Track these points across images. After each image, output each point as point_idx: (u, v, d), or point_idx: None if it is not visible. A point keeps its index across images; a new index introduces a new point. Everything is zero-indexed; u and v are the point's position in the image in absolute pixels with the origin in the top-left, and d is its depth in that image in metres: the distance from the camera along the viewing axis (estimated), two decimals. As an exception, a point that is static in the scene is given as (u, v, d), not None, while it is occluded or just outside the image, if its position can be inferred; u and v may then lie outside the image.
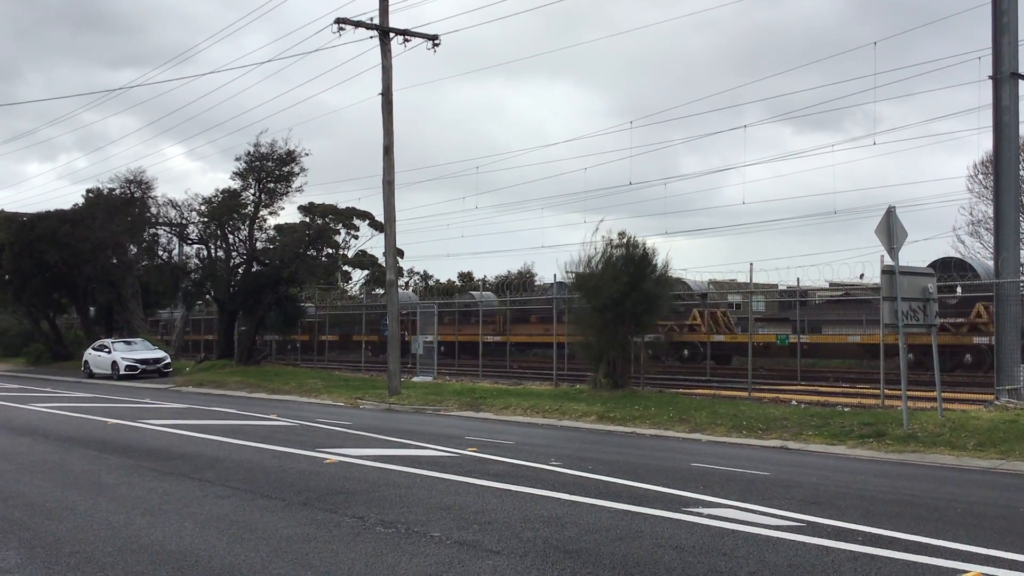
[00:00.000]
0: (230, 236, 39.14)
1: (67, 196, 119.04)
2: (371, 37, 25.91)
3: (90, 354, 38.92)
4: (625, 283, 21.89)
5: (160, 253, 42.47)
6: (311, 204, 59.96)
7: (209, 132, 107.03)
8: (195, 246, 41.19)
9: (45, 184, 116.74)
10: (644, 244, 22.98)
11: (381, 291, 45.47)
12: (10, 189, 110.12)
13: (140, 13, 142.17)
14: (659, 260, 23.06)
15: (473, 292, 44.73)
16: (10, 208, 52.53)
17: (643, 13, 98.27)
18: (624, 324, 22.46)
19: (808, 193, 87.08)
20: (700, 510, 8.49)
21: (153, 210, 41.49)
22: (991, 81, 18.35)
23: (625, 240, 22.94)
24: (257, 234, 38.91)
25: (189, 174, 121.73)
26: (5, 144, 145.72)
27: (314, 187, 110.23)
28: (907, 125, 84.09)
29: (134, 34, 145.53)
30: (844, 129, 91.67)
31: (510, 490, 9.51)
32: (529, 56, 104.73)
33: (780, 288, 33.64)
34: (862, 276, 32.50)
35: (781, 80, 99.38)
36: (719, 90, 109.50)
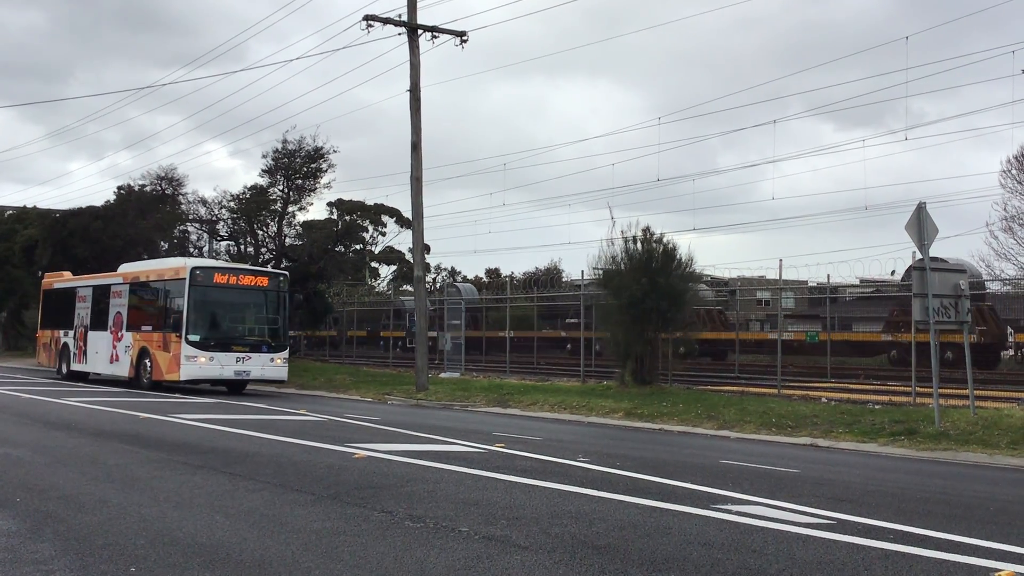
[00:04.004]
0: (259, 232, 39.43)
1: (110, 193, 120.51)
2: (399, 34, 26.00)
3: (122, 349, 39.31)
4: (648, 280, 21.82)
5: (190, 249, 42.85)
6: (339, 200, 60.23)
7: (254, 130, 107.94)
8: (225, 242, 41.55)
9: (89, 181, 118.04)
10: (667, 240, 22.91)
11: (409, 287, 45.59)
12: (55, 187, 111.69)
13: (193, 13, 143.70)
14: (683, 256, 22.99)
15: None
16: (57, 206, 53.19)
17: (688, 10, 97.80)
18: (650, 321, 22.41)
19: (843, 189, 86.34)
20: (729, 507, 8.45)
21: (184, 207, 41.88)
22: (1025, 75, 18.12)
23: (648, 236, 22.86)
24: (286, 230, 39.21)
25: (233, 171, 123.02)
26: (50, 140, 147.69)
27: (354, 183, 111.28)
28: (940, 120, 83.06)
29: (187, 34, 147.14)
30: (886, 125, 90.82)
31: (538, 486, 9.51)
32: (571, 48, 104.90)
33: (810, 285, 33.42)
34: (893, 272, 32.24)
35: (824, 77, 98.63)
36: (765, 91, 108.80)
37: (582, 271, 29.06)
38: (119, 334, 26.80)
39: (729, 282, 36.75)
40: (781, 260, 23.54)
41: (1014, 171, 38.08)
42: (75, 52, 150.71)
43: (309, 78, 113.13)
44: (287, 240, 39.32)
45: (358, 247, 46.93)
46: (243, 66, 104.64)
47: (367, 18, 25.40)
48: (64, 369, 30.14)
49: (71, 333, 29.98)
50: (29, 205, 54.81)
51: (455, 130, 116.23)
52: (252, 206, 38.24)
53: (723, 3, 62.52)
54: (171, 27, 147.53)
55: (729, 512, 8.20)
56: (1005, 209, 38.61)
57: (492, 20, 59.43)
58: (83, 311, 29.38)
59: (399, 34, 26.04)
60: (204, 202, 40.68)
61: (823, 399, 20.25)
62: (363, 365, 37.49)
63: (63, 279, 32.97)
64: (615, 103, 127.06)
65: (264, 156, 38.61)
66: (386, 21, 25.73)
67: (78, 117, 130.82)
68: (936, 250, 15.61)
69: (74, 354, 29.53)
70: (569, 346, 41.11)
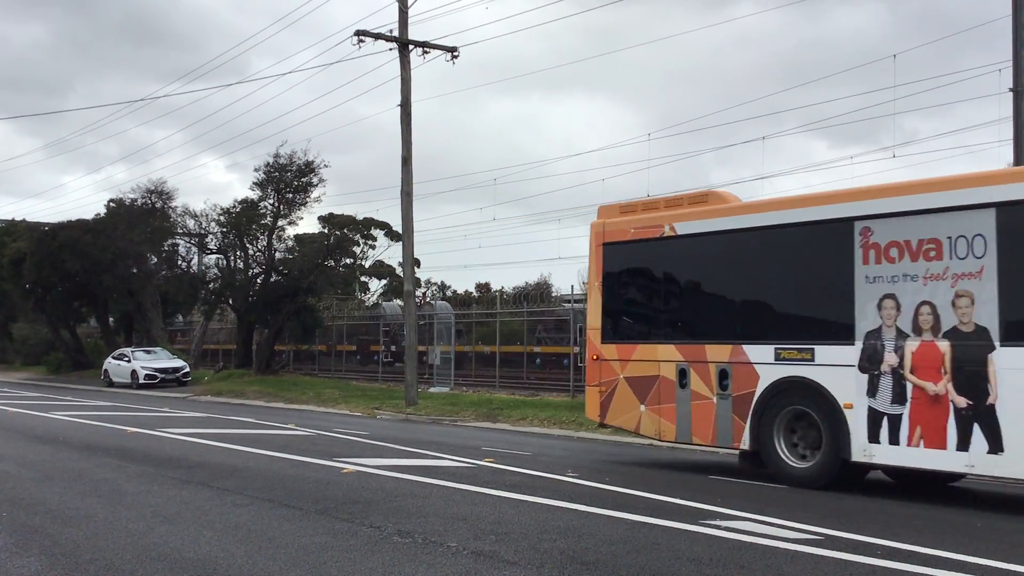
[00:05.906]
0: (249, 246, 39.35)
1: (103, 206, 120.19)
2: (391, 49, 26.08)
3: (110, 363, 39.15)
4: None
5: (180, 263, 42.71)
6: (330, 215, 60.20)
7: (249, 143, 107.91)
8: (214, 256, 41.45)
9: (82, 193, 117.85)
10: None
11: (399, 301, 45.55)
12: (48, 200, 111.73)
13: (194, 28, 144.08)
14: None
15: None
16: (49, 219, 52.81)
17: (686, 27, 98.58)
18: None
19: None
20: (718, 522, 8.46)
21: (173, 220, 41.75)
22: (1011, 94, 18.26)
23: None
24: (276, 244, 39.13)
25: (230, 185, 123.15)
26: (46, 153, 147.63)
27: (348, 196, 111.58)
28: (930, 137, 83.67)
29: (187, 49, 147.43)
30: (880, 142, 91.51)
31: (527, 501, 9.51)
32: (569, 63, 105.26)
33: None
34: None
35: (818, 94, 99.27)
36: (758, 107, 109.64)
37: (572, 286, 29.06)
38: None
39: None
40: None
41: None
42: (76, 66, 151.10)
43: (305, 92, 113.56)
44: (277, 254, 39.26)
45: (349, 261, 46.76)
46: (241, 81, 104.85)
47: (358, 33, 25.47)
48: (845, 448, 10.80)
49: (878, 351, 10.53)
50: (19, 218, 54.55)
51: (451, 145, 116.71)
52: (242, 220, 38.18)
53: (720, 19, 62.94)
54: (171, 41, 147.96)
55: (718, 528, 8.21)
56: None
57: (487, 35, 59.79)
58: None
59: (390, 49, 26.14)
60: (193, 215, 40.60)
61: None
62: (353, 379, 37.41)
63: (759, 208, 12.24)
64: (611, 119, 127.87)
65: (256, 170, 38.59)
66: (377, 36, 25.80)
67: (75, 130, 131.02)
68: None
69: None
70: (538, 360, 40.64)
